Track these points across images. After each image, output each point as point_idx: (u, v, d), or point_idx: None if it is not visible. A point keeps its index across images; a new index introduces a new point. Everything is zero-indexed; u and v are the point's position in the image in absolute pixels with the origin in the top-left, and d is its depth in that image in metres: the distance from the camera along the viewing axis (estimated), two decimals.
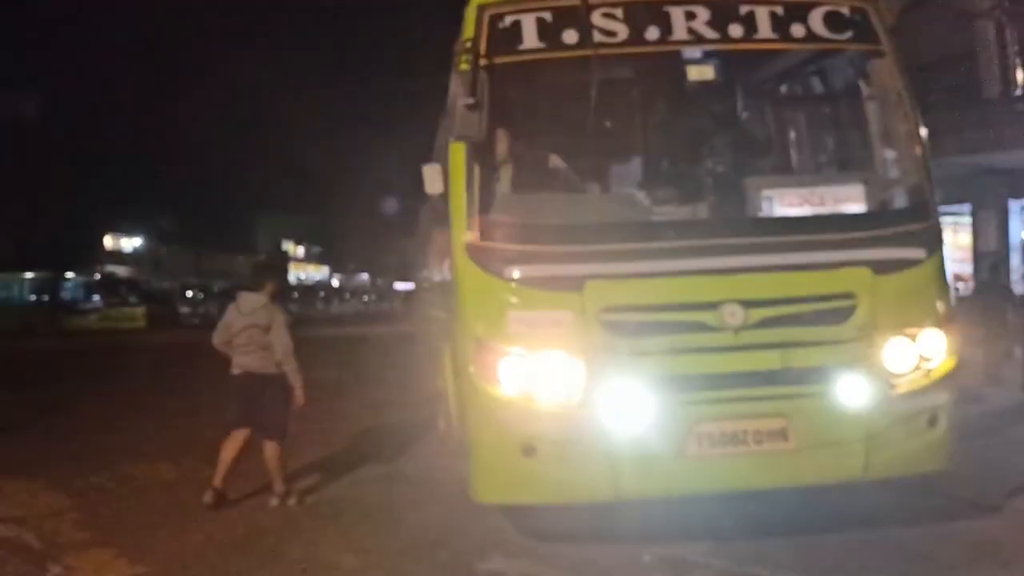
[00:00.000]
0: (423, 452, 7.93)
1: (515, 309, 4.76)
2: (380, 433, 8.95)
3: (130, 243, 60.09)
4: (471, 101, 4.75)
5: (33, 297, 34.94)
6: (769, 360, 4.71)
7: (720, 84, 5.52)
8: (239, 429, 6.24)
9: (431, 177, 5.20)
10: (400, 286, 49.31)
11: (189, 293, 47.01)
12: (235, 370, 6.25)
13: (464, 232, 4.93)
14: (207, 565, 5.00)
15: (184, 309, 45.54)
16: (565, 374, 4.66)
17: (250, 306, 6.24)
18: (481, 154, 4.97)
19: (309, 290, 58.79)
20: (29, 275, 35.79)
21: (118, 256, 57.49)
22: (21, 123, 42.89)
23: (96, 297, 35.95)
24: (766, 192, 5.14)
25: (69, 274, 35.94)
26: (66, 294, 35.09)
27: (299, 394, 6.21)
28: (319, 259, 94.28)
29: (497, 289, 4.82)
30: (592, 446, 4.64)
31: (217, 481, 6.15)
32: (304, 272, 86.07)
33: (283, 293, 6.80)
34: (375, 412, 10.32)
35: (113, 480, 7.15)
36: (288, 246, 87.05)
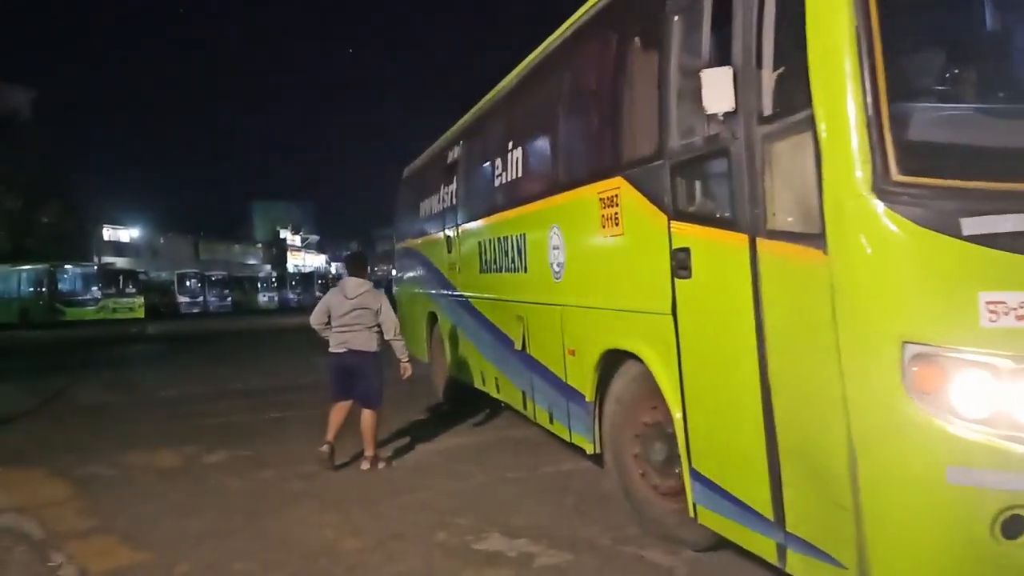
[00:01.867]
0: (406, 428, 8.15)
1: (992, 288, 2.89)
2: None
3: (128, 233, 60.06)
4: None
5: (31, 289, 34.93)
6: None
7: None
8: (343, 400, 7.02)
9: (716, 86, 3.56)
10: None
11: (188, 283, 46.98)
12: (339, 348, 6.94)
13: (857, 164, 2.99)
14: (208, 549, 5.03)
15: (183, 299, 45.59)
16: None
17: (356, 290, 6.98)
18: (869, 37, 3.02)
19: (307, 278, 58.68)
20: (27, 267, 35.77)
21: (116, 246, 57.48)
22: (15, 116, 42.83)
23: (94, 288, 35.94)
24: None
25: (67, 265, 35.90)
26: (64, 285, 35.07)
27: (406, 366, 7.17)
28: (317, 247, 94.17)
29: (949, 256, 2.92)
30: None
31: (330, 436, 6.92)
32: (301, 260, 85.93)
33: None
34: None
35: (114, 467, 7.19)
36: (286, 234, 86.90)
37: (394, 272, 12.15)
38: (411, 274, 11.71)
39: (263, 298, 52.32)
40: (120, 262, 48.73)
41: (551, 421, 6.35)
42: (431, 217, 10.35)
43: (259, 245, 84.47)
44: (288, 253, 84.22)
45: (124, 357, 19.54)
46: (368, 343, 6.93)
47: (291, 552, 4.96)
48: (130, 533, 5.38)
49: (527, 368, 6.74)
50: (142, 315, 36.84)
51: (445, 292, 9.53)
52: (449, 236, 9.22)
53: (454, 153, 9.33)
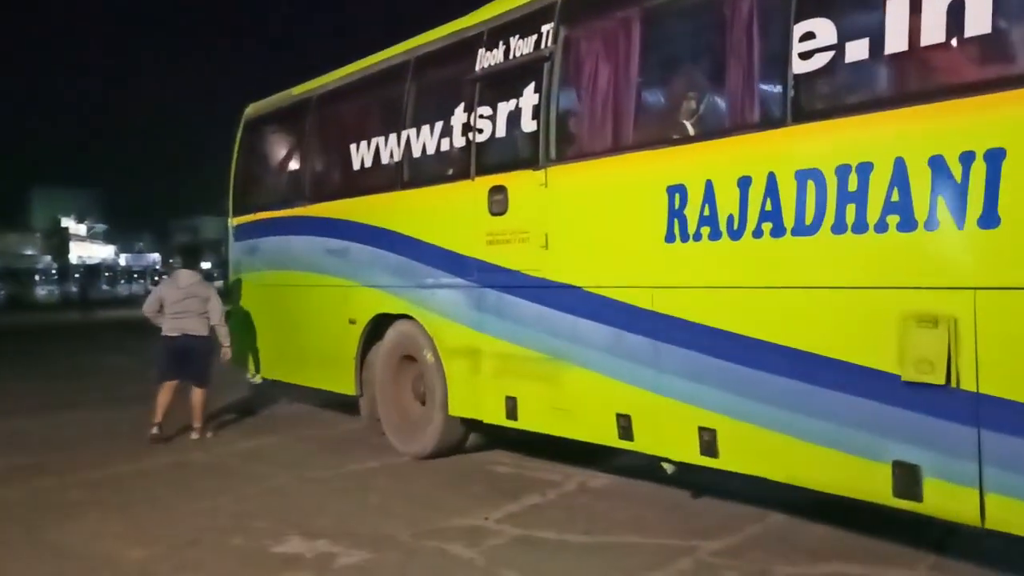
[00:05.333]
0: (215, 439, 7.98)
1: None
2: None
3: None
4: None
5: None
6: None
7: None
8: (171, 381, 7.76)
9: None
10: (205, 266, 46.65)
11: None
12: (173, 332, 7.73)
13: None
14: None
15: None
16: None
17: (188, 280, 7.86)
18: None
19: (92, 271, 54.72)
20: None
21: None
22: None
23: None
24: None
25: None
26: None
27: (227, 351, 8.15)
28: (105, 237, 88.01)
29: None
30: None
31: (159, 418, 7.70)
32: (87, 251, 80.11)
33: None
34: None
35: None
36: (68, 223, 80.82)
37: (233, 259, 9.48)
38: (311, 258, 7.98)
39: (42, 292, 48.39)
40: None
41: None
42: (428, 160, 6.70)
43: (37, 234, 77.98)
44: (71, 243, 78.20)
45: None
46: (200, 328, 7.78)
47: (68, 564, 4.65)
48: None
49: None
50: None
51: (493, 282, 5.90)
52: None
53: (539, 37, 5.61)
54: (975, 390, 3.47)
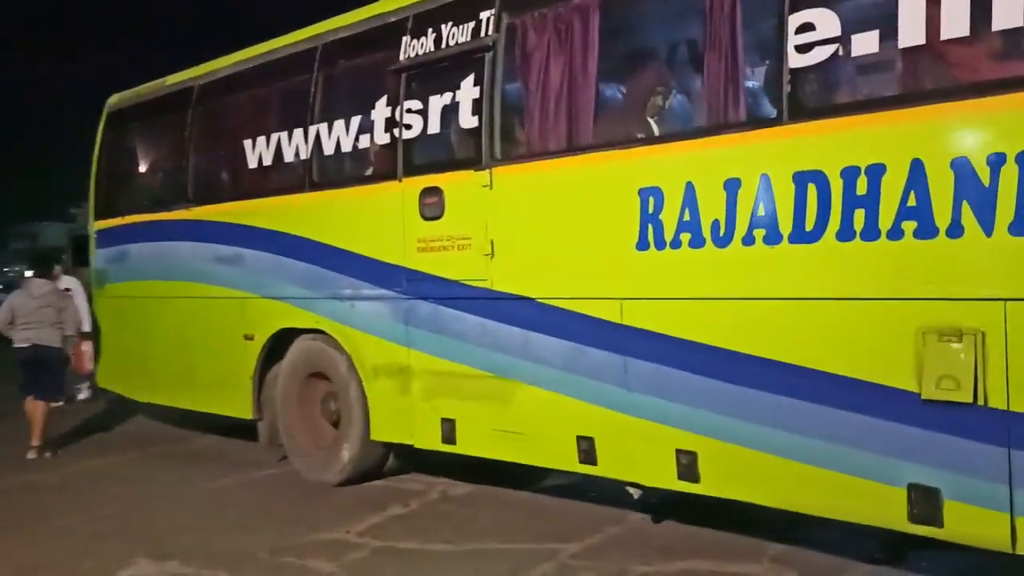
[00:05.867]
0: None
1: None
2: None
3: None
4: None
5: None
6: None
7: None
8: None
9: None
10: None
11: None
12: (23, 343, 7.50)
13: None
14: None
15: None
16: None
17: (41, 289, 7.65)
18: None
19: None
20: None
21: None
22: None
23: None
24: None
25: None
26: None
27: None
28: None
29: None
30: None
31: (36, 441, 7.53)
32: None
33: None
34: None
35: None
36: None
37: (97, 267, 8.31)
38: (197, 266, 7.03)
39: None
40: None
41: None
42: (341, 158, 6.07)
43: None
44: None
45: None
46: (54, 339, 7.55)
47: None
48: None
49: None
50: None
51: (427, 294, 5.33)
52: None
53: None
54: (1005, 407, 3.24)
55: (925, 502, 3.46)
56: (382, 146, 5.66)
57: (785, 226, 3.78)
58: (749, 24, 4.01)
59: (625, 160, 4.41)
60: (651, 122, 4.57)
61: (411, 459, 6.17)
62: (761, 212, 3.85)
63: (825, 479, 3.74)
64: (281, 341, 6.42)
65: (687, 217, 4.10)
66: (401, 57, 5.53)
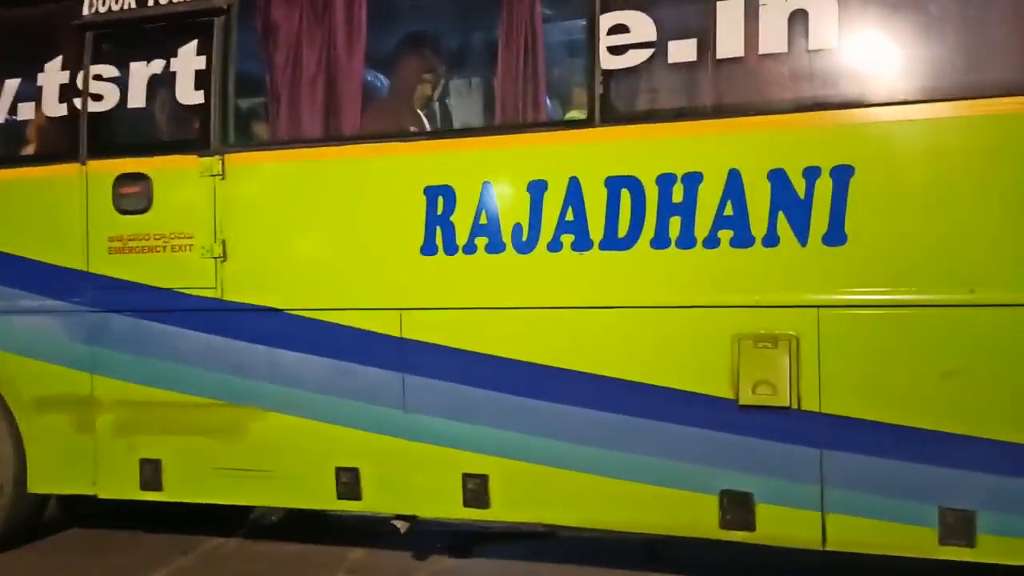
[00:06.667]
0: None
1: None
2: None
3: None
4: None
5: None
6: None
7: None
8: None
9: None
10: None
11: None
12: None
13: None
14: None
15: None
16: None
17: None
18: None
19: None
20: None
21: None
22: None
23: None
24: None
25: None
26: None
27: None
28: None
29: None
30: None
31: None
32: None
33: None
34: None
35: None
36: None
37: None
38: None
39: None
40: None
41: None
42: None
43: None
44: None
45: None
46: None
47: None
48: None
49: None
50: None
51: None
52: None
53: None
54: (818, 410, 3.39)
55: (737, 508, 3.49)
56: (55, 120, 4.47)
57: (596, 232, 3.61)
58: (557, 19, 3.83)
59: (407, 154, 3.93)
60: (444, 114, 4.17)
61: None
62: (570, 217, 3.63)
63: (637, 493, 3.60)
64: None
65: (484, 220, 3.75)
66: (85, 11, 4.43)
